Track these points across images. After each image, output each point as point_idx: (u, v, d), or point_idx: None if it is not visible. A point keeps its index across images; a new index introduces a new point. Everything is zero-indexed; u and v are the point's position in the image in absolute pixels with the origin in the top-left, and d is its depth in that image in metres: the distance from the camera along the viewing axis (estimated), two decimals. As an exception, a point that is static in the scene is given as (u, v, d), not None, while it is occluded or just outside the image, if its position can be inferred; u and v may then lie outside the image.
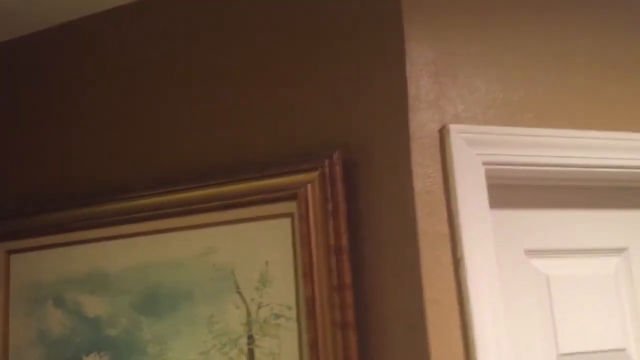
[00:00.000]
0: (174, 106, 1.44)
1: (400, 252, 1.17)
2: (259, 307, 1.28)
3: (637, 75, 1.38)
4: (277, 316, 1.26)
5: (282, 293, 1.25)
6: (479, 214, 1.21)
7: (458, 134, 1.21)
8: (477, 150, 1.22)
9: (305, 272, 1.21)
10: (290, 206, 1.26)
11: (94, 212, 1.43)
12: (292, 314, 1.24)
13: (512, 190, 1.34)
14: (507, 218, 1.33)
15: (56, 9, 1.54)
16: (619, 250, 1.43)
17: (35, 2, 1.51)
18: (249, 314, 1.28)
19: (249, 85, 1.35)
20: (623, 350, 1.37)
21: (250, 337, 1.27)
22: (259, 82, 1.34)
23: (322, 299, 1.19)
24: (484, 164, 1.23)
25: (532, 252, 1.36)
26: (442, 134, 1.22)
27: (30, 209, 1.51)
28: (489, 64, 1.29)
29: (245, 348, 1.27)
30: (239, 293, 1.30)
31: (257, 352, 1.26)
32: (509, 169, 1.26)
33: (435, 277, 1.16)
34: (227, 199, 1.30)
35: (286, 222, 1.27)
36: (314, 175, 1.23)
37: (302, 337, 1.22)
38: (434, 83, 1.24)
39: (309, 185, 1.23)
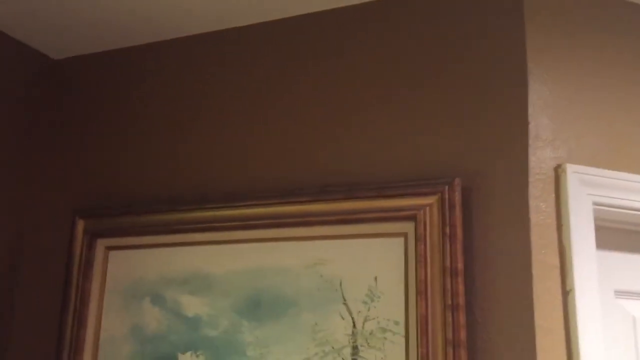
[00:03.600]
0: (303, 118, 1.51)
1: (514, 279, 1.24)
2: (365, 320, 1.33)
3: None
4: (384, 330, 1.31)
5: (390, 308, 1.31)
6: (587, 250, 1.28)
7: (573, 173, 1.29)
8: (588, 190, 1.30)
9: (420, 290, 1.27)
10: (405, 226, 1.33)
11: (204, 217, 1.50)
12: (400, 329, 1.29)
13: (605, 232, 1.41)
14: (600, 258, 1.40)
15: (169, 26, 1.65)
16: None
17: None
18: (354, 325, 1.34)
19: (377, 110, 1.43)
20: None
21: (355, 348, 1.33)
22: (389, 105, 1.43)
23: (435, 317, 1.25)
24: (594, 204, 1.31)
25: (620, 293, 1.43)
26: (558, 172, 1.30)
27: (138, 209, 1.58)
28: (598, 114, 1.38)
29: (349, 358, 1.33)
30: (345, 305, 1.36)
31: (362, 363, 1.32)
32: (614, 212, 1.34)
33: (545, 306, 1.23)
34: (344, 215, 1.37)
35: (399, 241, 1.34)
36: (434, 199, 1.30)
37: (410, 352, 1.27)
38: (550, 124, 1.32)
39: (427, 208, 1.31)
